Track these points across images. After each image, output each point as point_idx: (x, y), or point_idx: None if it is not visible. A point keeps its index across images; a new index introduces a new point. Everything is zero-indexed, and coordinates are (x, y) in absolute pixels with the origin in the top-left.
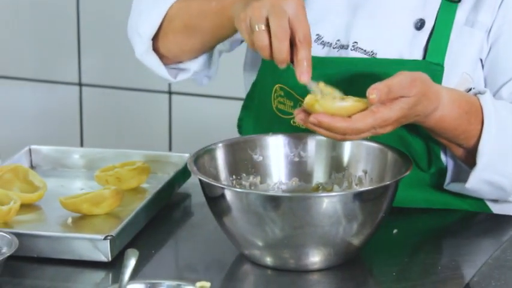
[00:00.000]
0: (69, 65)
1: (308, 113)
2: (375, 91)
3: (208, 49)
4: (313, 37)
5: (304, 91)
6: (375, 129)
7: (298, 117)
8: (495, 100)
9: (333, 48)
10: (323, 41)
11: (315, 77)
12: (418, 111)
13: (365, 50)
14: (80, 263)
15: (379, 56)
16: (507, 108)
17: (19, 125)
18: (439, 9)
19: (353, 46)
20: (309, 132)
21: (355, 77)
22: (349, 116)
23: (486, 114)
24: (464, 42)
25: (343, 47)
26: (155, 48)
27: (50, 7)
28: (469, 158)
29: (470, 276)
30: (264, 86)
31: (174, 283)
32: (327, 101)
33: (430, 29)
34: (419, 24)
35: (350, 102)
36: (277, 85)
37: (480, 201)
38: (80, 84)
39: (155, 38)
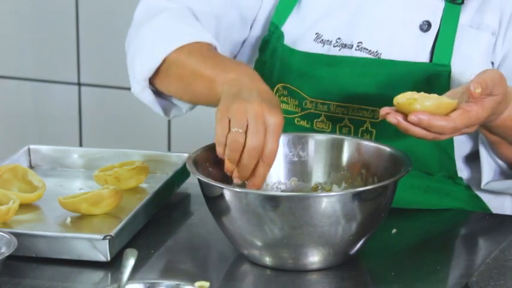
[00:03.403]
0: (68, 65)
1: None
2: (478, 85)
3: (200, 104)
4: (313, 36)
5: (313, 90)
6: (467, 128)
7: (391, 115)
8: None
9: (334, 46)
10: (322, 39)
11: (323, 75)
12: (497, 110)
13: (370, 50)
14: (78, 262)
15: (384, 56)
16: None
17: (18, 124)
18: (443, 11)
19: (358, 46)
20: (309, 131)
21: (363, 76)
22: (446, 115)
23: None
24: (471, 44)
25: (346, 46)
26: (153, 82)
27: (49, 7)
28: None
29: (470, 276)
30: None
31: (173, 283)
32: (425, 100)
33: (436, 31)
34: (426, 27)
35: (448, 100)
36: (279, 84)
37: (477, 200)
38: (79, 84)
39: (153, 76)
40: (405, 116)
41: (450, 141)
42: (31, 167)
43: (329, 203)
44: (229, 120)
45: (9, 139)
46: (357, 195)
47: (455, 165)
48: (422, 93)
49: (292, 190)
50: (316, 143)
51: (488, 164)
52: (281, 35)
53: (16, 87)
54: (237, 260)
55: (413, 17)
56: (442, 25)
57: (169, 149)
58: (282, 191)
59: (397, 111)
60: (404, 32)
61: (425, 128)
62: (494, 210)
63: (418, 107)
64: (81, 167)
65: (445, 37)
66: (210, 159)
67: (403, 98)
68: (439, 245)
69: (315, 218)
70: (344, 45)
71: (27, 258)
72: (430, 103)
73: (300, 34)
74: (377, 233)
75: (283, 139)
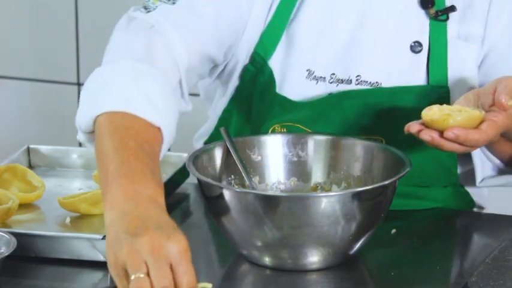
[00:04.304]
0: (67, 65)
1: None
2: (508, 97)
3: None
4: (304, 73)
5: (316, 126)
6: (495, 137)
7: (425, 133)
8: None
9: (330, 82)
10: (315, 76)
11: (326, 113)
12: None
13: (370, 82)
14: (78, 262)
15: (384, 85)
16: None
17: (17, 124)
18: (430, 28)
19: (357, 80)
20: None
21: (365, 106)
22: (476, 127)
23: None
24: (462, 57)
25: (344, 81)
26: None
27: (49, 7)
28: None
29: (469, 276)
30: (253, 127)
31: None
32: (457, 115)
33: (427, 50)
34: (417, 48)
35: (477, 113)
36: (276, 125)
37: (466, 196)
38: (79, 84)
39: None
40: (437, 131)
41: (454, 160)
42: (30, 166)
43: (328, 203)
44: (126, 270)
45: (8, 139)
46: (357, 195)
47: (458, 179)
48: (445, 106)
49: (292, 190)
50: (316, 143)
51: (481, 161)
52: (271, 76)
53: (16, 87)
54: (237, 260)
55: (403, 39)
56: (432, 43)
57: (168, 149)
58: (282, 191)
59: (427, 126)
60: (398, 56)
61: (461, 143)
62: (476, 200)
63: (451, 123)
64: (80, 167)
65: (437, 56)
66: (210, 159)
67: (435, 115)
68: (438, 245)
69: (314, 218)
70: (341, 81)
71: (26, 258)
72: (461, 118)
73: (289, 72)
74: (377, 233)
75: (282, 139)
